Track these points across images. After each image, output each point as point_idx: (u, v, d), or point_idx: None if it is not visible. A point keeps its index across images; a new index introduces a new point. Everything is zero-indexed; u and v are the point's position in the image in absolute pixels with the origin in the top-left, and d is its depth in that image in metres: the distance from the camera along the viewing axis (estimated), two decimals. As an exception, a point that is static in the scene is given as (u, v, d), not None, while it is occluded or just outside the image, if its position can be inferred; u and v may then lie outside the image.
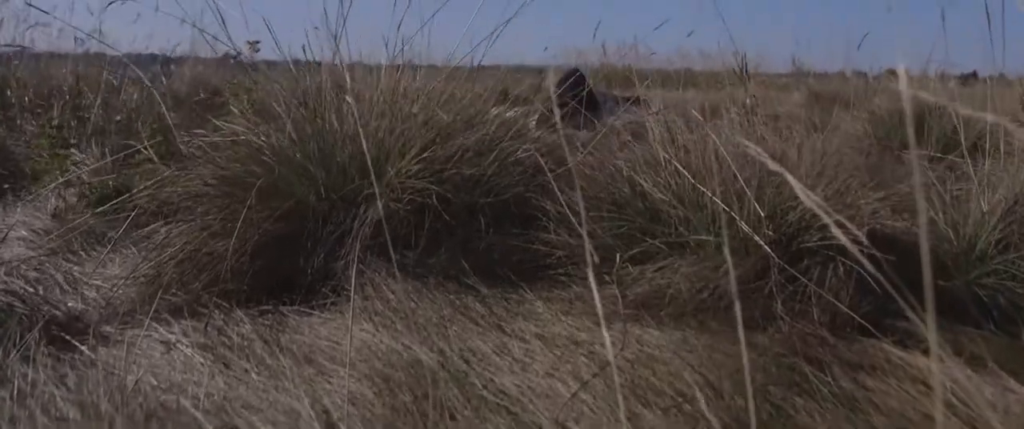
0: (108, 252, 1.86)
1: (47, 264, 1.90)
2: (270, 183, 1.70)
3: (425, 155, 1.74)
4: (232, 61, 2.93)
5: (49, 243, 2.01)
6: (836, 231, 0.54)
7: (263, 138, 1.79)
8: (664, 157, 1.74)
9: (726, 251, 1.06)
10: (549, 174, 1.61)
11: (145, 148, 1.93)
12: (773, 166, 0.63)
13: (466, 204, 1.77)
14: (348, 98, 1.95)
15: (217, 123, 1.98)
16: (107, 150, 2.47)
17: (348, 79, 1.96)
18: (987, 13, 2.08)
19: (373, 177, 1.61)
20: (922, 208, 1.26)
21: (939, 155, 2.66)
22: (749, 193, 1.53)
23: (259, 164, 1.76)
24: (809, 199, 0.57)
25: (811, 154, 1.81)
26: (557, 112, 2.08)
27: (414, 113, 1.90)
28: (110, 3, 2.58)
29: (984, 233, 1.75)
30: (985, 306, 1.63)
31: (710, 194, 1.60)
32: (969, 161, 2.33)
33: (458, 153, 1.78)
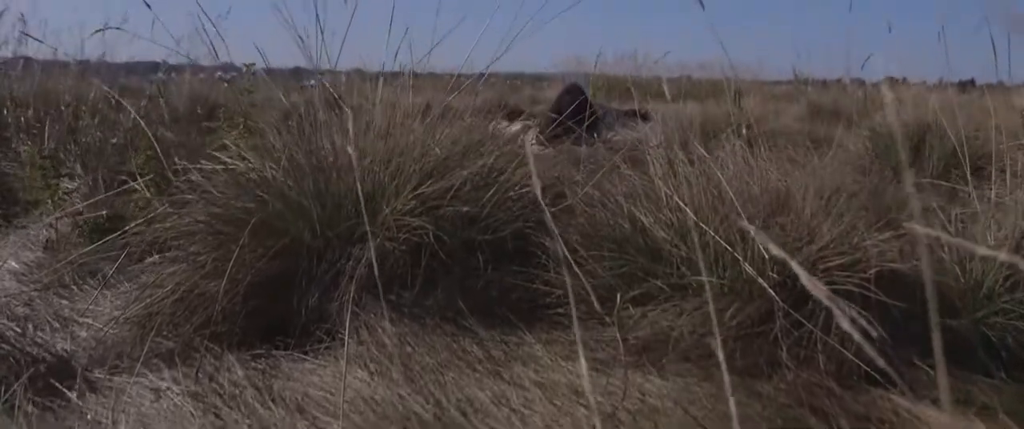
0: (101, 289, 1.82)
1: (38, 300, 1.86)
2: (263, 220, 1.66)
3: (421, 190, 1.69)
4: (226, 83, 2.88)
5: (40, 277, 1.96)
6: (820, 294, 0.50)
7: (256, 174, 1.75)
8: (665, 193, 1.70)
9: (711, 301, 1.02)
10: (547, 212, 1.58)
11: (137, 183, 1.88)
12: (776, 251, 0.59)
13: (463, 240, 1.73)
14: (349, 125, 1.91)
15: (212, 154, 1.94)
16: (101, 177, 2.43)
17: (348, 115, 1.92)
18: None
19: (366, 218, 1.57)
20: (927, 266, 1.23)
21: (941, 183, 2.62)
22: (753, 234, 1.49)
23: (252, 199, 1.72)
24: (814, 288, 0.52)
25: (815, 183, 1.77)
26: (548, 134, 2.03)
27: (409, 145, 1.86)
28: (95, 32, 2.53)
29: (991, 271, 1.71)
30: (993, 347, 1.59)
31: (712, 233, 1.56)
32: (972, 187, 2.30)
33: (455, 187, 1.73)
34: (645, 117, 5.78)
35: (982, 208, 2.04)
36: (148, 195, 1.86)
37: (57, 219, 2.10)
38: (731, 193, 1.57)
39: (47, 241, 2.14)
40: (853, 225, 1.56)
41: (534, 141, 5.25)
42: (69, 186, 2.30)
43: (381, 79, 3.21)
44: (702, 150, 1.78)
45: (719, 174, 1.62)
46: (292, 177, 1.72)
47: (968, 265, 1.79)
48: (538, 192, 1.01)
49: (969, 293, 1.72)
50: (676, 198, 1.66)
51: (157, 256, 1.79)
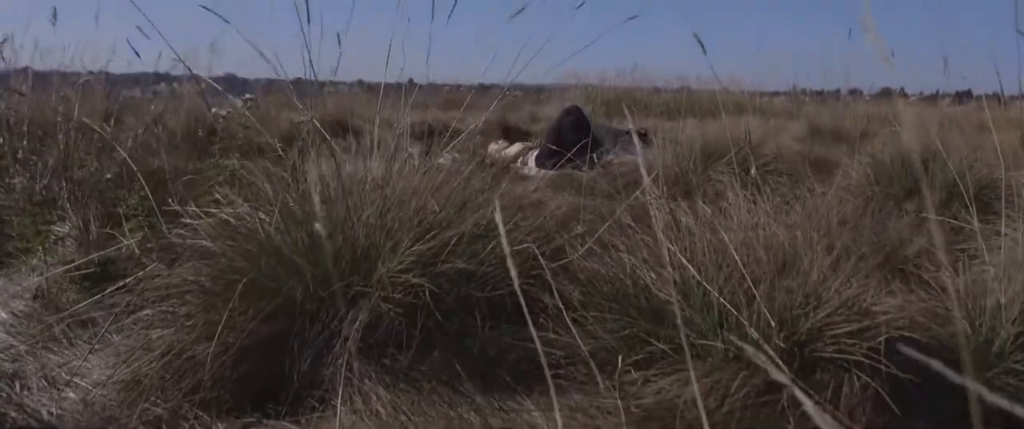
0: (93, 345, 1.76)
1: (26, 355, 1.80)
2: (255, 279, 1.60)
3: (417, 247, 1.64)
4: (221, 119, 2.83)
5: (30, 330, 1.91)
6: None
7: (247, 228, 1.69)
8: (668, 250, 1.65)
9: (690, 374, 0.97)
10: (546, 269, 1.53)
11: (127, 238, 1.83)
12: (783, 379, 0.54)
13: (460, 297, 1.67)
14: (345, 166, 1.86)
15: (204, 205, 1.89)
16: (94, 218, 2.38)
17: (338, 153, 1.87)
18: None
19: (357, 277, 1.51)
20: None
21: (947, 219, 2.56)
22: (759, 299, 1.44)
23: (244, 256, 1.67)
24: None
25: (821, 239, 1.72)
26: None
27: (407, 195, 1.81)
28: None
29: (1003, 329, 1.66)
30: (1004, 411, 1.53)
31: (716, 293, 1.51)
32: (978, 225, 2.24)
33: (452, 243, 1.68)
34: (645, 137, 5.73)
35: (991, 259, 1.99)
36: (137, 251, 1.81)
37: (48, 267, 2.05)
38: (736, 255, 1.51)
39: (37, 289, 2.09)
40: (863, 286, 1.50)
41: (533, 163, 5.20)
42: (60, 230, 2.25)
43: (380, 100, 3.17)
44: (703, 206, 1.72)
45: (724, 235, 1.57)
46: (284, 232, 1.67)
47: (977, 320, 1.74)
48: (514, 276, 0.95)
49: (979, 351, 1.67)
50: (679, 256, 1.61)
51: (149, 310, 1.73)
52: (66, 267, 2.10)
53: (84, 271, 2.11)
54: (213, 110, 2.60)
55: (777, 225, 1.72)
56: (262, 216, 1.78)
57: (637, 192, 1.73)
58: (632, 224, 1.77)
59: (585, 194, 4.12)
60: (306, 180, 1.89)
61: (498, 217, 0.91)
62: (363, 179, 1.90)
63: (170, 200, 2.93)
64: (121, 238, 1.93)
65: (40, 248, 2.08)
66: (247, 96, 2.78)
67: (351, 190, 1.76)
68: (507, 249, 0.77)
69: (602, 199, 3.97)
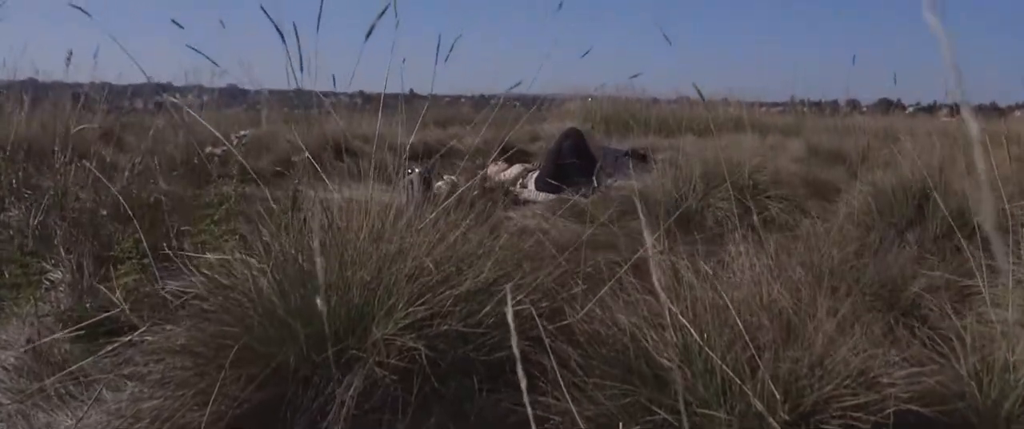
0: (85, 414, 1.71)
1: (16, 415, 1.76)
2: (248, 344, 1.56)
3: (413, 308, 1.60)
4: (216, 158, 2.78)
5: (21, 385, 1.86)
6: None
7: (240, 290, 1.65)
8: (669, 310, 1.60)
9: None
10: (545, 332, 1.48)
11: (118, 300, 1.79)
12: None
13: (458, 360, 1.63)
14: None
15: (200, 260, 1.84)
16: (88, 263, 2.33)
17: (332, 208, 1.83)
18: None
19: (351, 340, 1.47)
20: None
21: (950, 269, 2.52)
22: (763, 369, 1.40)
23: (237, 317, 1.63)
24: None
25: (827, 301, 1.67)
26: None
27: (404, 250, 1.77)
28: None
29: (1011, 391, 1.61)
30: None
31: (718, 360, 1.46)
32: (984, 264, 2.21)
33: (449, 304, 1.64)
34: (644, 158, 5.69)
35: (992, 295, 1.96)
36: (127, 312, 1.76)
37: (39, 320, 2.00)
38: (739, 320, 1.47)
39: (28, 339, 2.04)
40: (870, 356, 1.46)
41: (532, 185, 5.16)
42: (53, 276, 2.20)
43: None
44: (705, 267, 1.68)
45: (726, 299, 1.52)
46: (279, 294, 1.62)
47: (985, 378, 1.70)
48: (515, 343, 0.91)
49: (988, 413, 1.63)
50: (681, 318, 1.57)
51: (142, 368, 1.69)
52: (59, 316, 2.05)
53: (77, 325, 2.07)
54: (207, 149, 2.56)
55: (780, 281, 1.68)
56: (255, 271, 1.74)
57: (638, 254, 1.68)
58: (633, 281, 1.72)
59: (586, 222, 4.09)
60: (301, 230, 1.85)
61: (509, 316, 0.87)
62: (359, 228, 1.86)
63: (165, 244, 2.90)
64: (113, 296, 1.87)
65: (32, 298, 2.03)
66: (242, 133, 2.74)
67: (345, 246, 1.71)
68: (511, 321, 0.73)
69: (602, 228, 3.94)
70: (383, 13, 2.03)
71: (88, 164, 3.32)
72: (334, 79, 2.73)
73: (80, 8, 2.47)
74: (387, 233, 1.82)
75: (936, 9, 0.54)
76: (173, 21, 2.44)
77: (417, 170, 5.40)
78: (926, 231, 3.46)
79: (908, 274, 2.63)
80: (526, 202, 4.68)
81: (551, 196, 4.80)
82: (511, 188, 5.05)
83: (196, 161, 4.74)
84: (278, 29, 2.10)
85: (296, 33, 2.04)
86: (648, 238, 1.08)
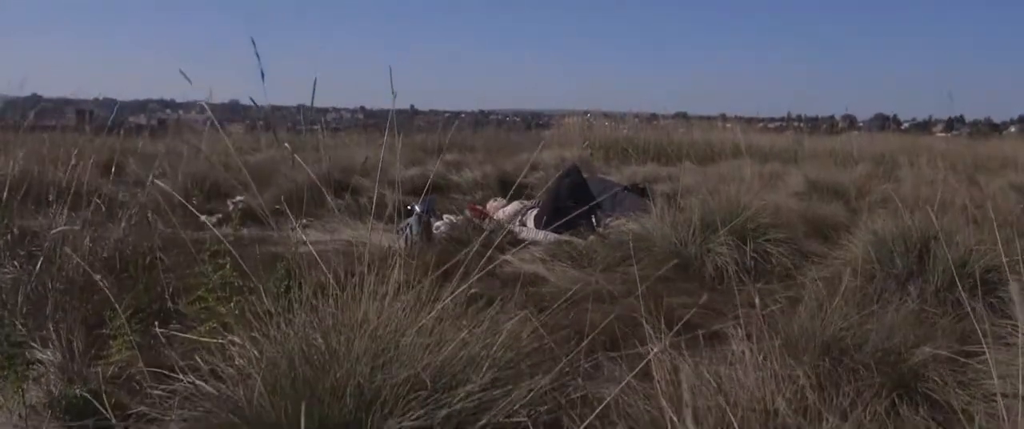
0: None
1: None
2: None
3: (405, 424, 1.53)
4: (213, 224, 2.72)
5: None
6: None
7: (229, 403, 1.59)
8: (671, 418, 1.54)
9: None
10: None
11: (104, 406, 1.72)
12: None
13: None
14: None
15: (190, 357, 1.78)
16: (78, 340, 2.27)
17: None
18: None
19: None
20: None
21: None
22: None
23: (225, 424, 1.57)
24: None
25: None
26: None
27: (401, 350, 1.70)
28: None
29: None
30: None
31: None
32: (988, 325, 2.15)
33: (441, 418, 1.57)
34: (643, 193, 5.64)
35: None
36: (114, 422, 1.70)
37: (27, 409, 1.94)
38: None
39: (15, 427, 1.98)
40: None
41: (531, 223, 5.09)
42: (41, 357, 2.14)
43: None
44: (707, 374, 1.62)
45: (728, 409, 1.46)
46: (267, 407, 1.56)
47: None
48: None
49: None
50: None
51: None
52: (49, 403, 1.99)
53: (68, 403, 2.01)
54: (202, 217, 2.50)
55: (786, 383, 1.62)
56: (244, 372, 1.68)
57: (637, 369, 1.62)
58: (634, 383, 1.66)
59: (585, 266, 4.03)
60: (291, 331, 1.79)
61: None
62: (351, 325, 1.79)
63: (160, 305, 2.83)
64: (103, 383, 1.81)
65: (20, 390, 1.97)
66: (238, 198, 2.67)
67: (338, 353, 1.65)
68: None
69: (601, 274, 3.88)
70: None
71: (84, 214, 3.27)
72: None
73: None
74: (382, 329, 1.76)
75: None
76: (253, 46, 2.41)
77: (416, 209, 5.35)
78: (928, 283, 3.40)
79: (909, 342, 2.56)
80: (525, 242, 4.62)
81: (550, 235, 4.74)
82: (510, 225, 5.00)
83: (195, 201, 4.68)
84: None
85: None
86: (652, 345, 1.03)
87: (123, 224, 3.59)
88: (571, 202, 4.71)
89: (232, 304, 2.41)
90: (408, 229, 4.13)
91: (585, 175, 6.54)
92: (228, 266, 2.56)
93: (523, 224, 5.02)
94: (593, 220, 5.01)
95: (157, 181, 3.08)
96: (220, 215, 2.73)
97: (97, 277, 2.84)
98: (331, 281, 2.06)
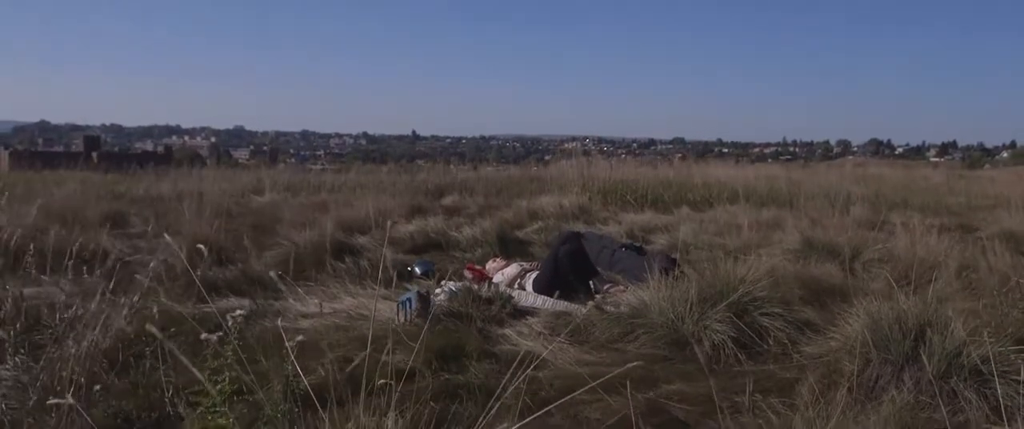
0: None
1: None
2: None
3: None
4: (213, 343, 2.68)
5: None
6: None
7: None
8: None
9: None
10: None
11: None
12: None
13: None
14: None
15: None
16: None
17: None
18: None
19: None
20: None
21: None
22: None
23: None
24: None
25: None
26: None
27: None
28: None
29: None
30: None
31: None
32: None
33: None
34: (640, 251, 5.63)
35: None
36: None
37: None
38: None
39: None
40: None
41: (530, 287, 5.07)
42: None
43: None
44: None
45: None
46: None
47: None
48: None
49: None
50: None
51: None
52: None
53: None
54: (203, 335, 2.48)
55: None
56: None
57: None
58: None
59: (585, 342, 4.00)
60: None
61: None
62: None
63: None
64: None
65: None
66: (239, 312, 2.64)
67: None
68: None
69: (600, 353, 3.86)
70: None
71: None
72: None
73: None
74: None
75: None
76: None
77: (416, 270, 5.34)
78: (924, 371, 3.37)
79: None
80: (524, 310, 4.60)
81: (549, 301, 4.73)
82: (508, 289, 4.98)
83: (198, 273, 4.66)
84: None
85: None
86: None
87: (125, 311, 3.57)
88: (569, 270, 4.71)
89: (232, 420, 2.40)
90: (408, 303, 4.11)
91: (583, 229, 6.55)
92: (227, 381, 2.54)
93: (522, 287, 5.01)
94: (591, 285, 5.01)
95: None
96: (219, 333, 2.68)
97: (97, 387, 2.84)
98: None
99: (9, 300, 3.65)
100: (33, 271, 4.41)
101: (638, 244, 5.81)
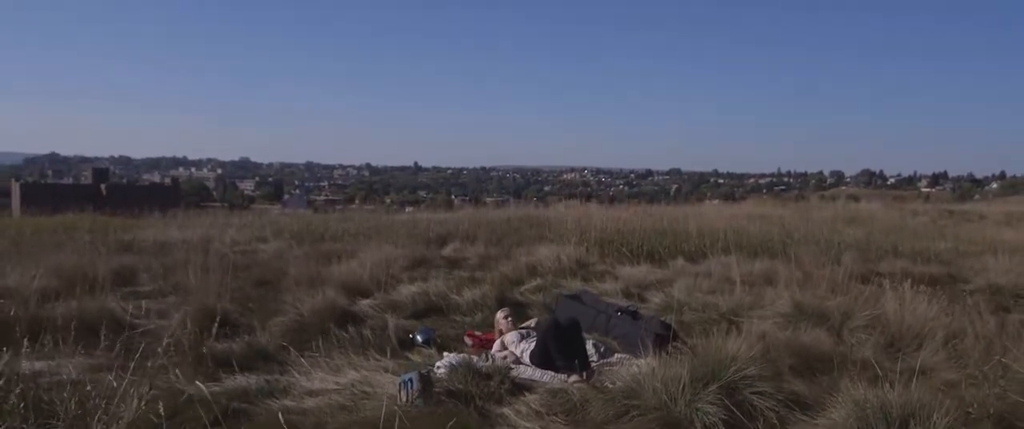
0: None
1: None
2: None
3: None
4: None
5: None
6: None
7: None
8: None
9: None
10: None
11: None
12: None
13: None
14: None
15: None
16: None
17: None
18: None
19: None
20: None
21: None
22: None
23: None
24: None
25: None
26: None
27: None
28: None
29: None
30: None
31: None
32: None
33: None
34: (636, 315, 5.70)
35: None
36: None
37: None
38: None
39: None
40: None
41: (527, 359, 5.14)
42: None
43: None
44: None
45: None
46: None
47: None
48: None
49: None
50: None
51: None
52: None
53: None
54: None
55: None
56: None
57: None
58: None
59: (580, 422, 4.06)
60: None
61: None
62: None
63: None
64: None
65: None
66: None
67: None
68: None
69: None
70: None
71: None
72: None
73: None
74: None
75: None
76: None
77: (417, 338, 5.41)
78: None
79: None
80: (522, 384, 4.66)
81: (546, 374, 4.81)
82: (506, 360, 5.06)
83: (205, 349, 4.72)
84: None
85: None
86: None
87: (135, 402, 3.64)
88: (566, 343, 4.81)
89: None
90: (409, 383, 4.18)
91: (579, 289, 6.63)
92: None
93: (519, 361, 5.09)
94: (588, 351, 5.09)
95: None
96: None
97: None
98: None
99: (18, 390, 3.65)
100: (42, 345, 4.49)
101: (633, 308, 5.88)
